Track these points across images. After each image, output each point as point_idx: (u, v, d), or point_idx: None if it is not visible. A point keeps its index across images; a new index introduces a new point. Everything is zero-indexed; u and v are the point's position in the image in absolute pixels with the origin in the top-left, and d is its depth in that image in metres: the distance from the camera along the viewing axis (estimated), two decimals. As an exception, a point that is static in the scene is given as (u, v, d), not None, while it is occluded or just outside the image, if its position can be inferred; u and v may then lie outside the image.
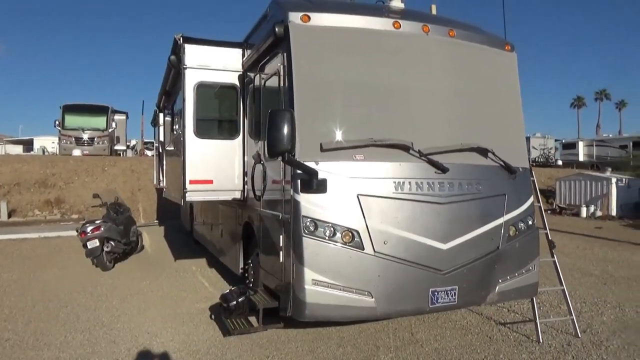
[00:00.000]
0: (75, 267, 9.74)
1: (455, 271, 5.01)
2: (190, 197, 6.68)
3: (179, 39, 6.60)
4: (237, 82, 6.87)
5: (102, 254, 9.34)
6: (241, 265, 7.14)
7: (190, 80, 6.65)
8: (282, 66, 5.11)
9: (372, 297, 4.72)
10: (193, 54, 6.66)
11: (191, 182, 6.63)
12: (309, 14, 4.97)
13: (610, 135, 42.41)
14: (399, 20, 5.21)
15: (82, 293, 7.80)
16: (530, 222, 5.60)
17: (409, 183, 4.92)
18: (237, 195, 6.84)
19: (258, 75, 6.05)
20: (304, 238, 4.63)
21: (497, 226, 5.30)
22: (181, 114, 7.03)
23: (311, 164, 4.64)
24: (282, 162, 5.04)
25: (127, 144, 32.97)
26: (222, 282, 8.49)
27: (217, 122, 7.28)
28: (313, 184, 4.59)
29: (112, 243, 9.55)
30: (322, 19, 5.02)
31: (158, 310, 6.88)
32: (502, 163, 5.42)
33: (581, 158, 39.31)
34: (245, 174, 6.75)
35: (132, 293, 7.82)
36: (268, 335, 5.65)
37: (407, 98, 5.25)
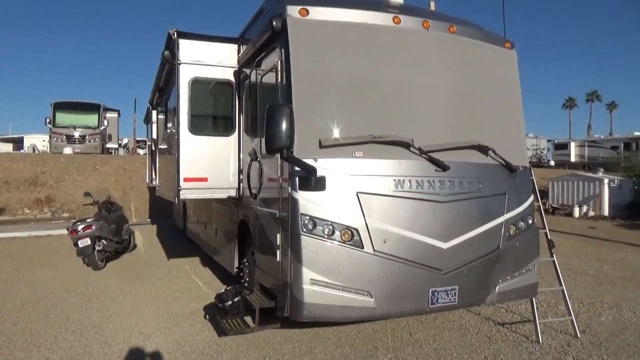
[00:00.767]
0: (66, 266, 9.56)
1: (455, 271, 4.93)
2: (184, 195, 6.55)
3: (173, 34, 6.47)
4: (232, 78, 6.75)
5: (94, 252, 9.18)
6: (236, 265, 7.02)
7: (185, 76, 6.52)
8: (279, 61, 5.00)
9: (372, 297, 4.62)
10: (187, 49, 6.53)
11: (185, 179, 6.50)
12: (307, 7, 4.87)
13: (602, 136, 42.72)
14: (399, 16, 5.13)
15: (72, 293, 7.64)
16: (530, 221, 5.54)
17: (409, 181, 4.83)
18: (233, 193, 6.72)
19: (254, 70, 5.93)
20: (302, 236, 4.53)
21: (497, 225, 5.23)
22: (175, 110, 6.90)
23: (310, 161, 4.54)
24: (279, 159, 4.94)
25: (120, 142, 32.65)
26: (216, 281, 8.36)
27: (212, 119, 7.15)
28: (312, 181, 4.48)
29: (104, 242, 9.39)
30: (320, 13, 4.92)
31: (151, 310, 6.74)
32: (502, 161, 5.35)
33: (573, 159, 39.54)
34: (240, 171, 6.63)
35: (124, 293, 7.67)
36: (264, 335, 5.54)
37: (407, 94, 5.15)
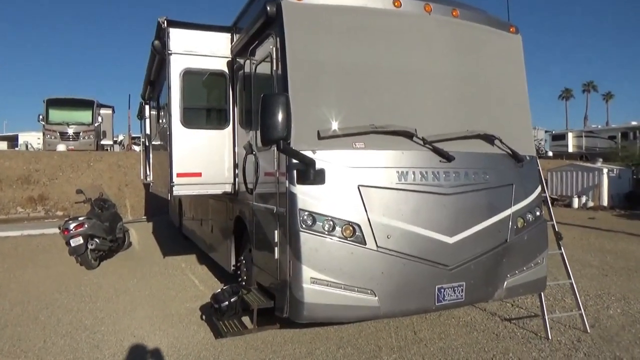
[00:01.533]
0: (59, 266, 9.32)
1: (462, 266, 4.70)
2: (177, 191, 6.30)
3: (163, 23, 6.19)
4: (225, 69, 6.49)
5: (87, 251, 8.92)
6: (233, 262, 6.79)
7: (176, 66, 6.26)
8: (274, 49, 4.74)
9: (376, 296, 4.39)
10: (178, 38, 6.26)
11: (178, 175, 6.25)
12: None
13: (599, 127, 42.55)
14: None
15: (64, 293, 7.39)
16: (538, 213, 5.32)
17: (413, 173, 4.59)
18: (228, 188, 6.48)
19: (248, 60, 5.67)
20: (301, 233, 4.29)
21: (505, 218, 5.00)
22: (167, 103, 6.63)
23: (308, 153, 4.29)
24: (276, 152, 4.70)
25: (114, 138, 32.27)
26: (212, 279, 8.14)
27: (205, 111, 6.89)
28: (310, 174, 4.23)
29: (97, 240, 9.13)
30: None
31: (145, 310, 6.50)
32: (509, 151, 5.11)
33: (570, 149, 39.35)
34: (236, 165, 6.38)
35: (118, 293, 7.43)
36: (263, 336, 5.32)
37: (409, 82, 4.90)
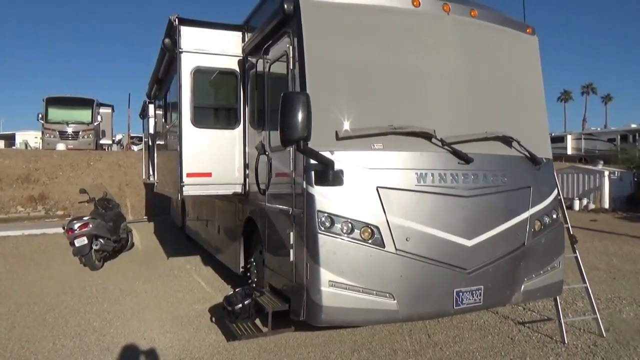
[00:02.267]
0: (62, 266, 9.20)
1: (480, 270, 4.64)
2: (187, 191, 6.21)
3: (174, 21, 6.11)
4: (236, 68, 6.40)
5: (91, 252, 8.82)
6: (242, 264, 6.70)
7: (187, 65, 6.17)
8: (291, 47, 4.66)
9: (394, 300, 4.32)
10: (189, 36, 6.17)
11: (188, 175, 6.16)
12: None
13: (599, 129, 42.64)
14: None
15: (70, 295, 7.30)
16: (554, 216, 5.27)
17: (432, 174, 4.52)
18: (238, 189, 6.39)
19: (262, 59, 5.59)
20: (319, 235, 4.21)
21: (522, 221, 4.94)
22: (176, 102, 6.55)
23: (326, 154, 4.22)
24: (292, 152, 4.63)
25: (113, 138, 32.08)
26: (219, 281, 8.05)
27: (215, 111, 6.79)
28: (329, 175, 4.16)
29: (102, 240, 9.03)
30: None
31: (153, 313, 6.42)
32: (527, 153, 5.06)
33: (569, 151, 39.41)
34: (246, 166, 6.30)
35: (124, 294, 7.34)
36: (275, 340, 5.24)
37: (426, 82, 4.84)
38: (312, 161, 4.26)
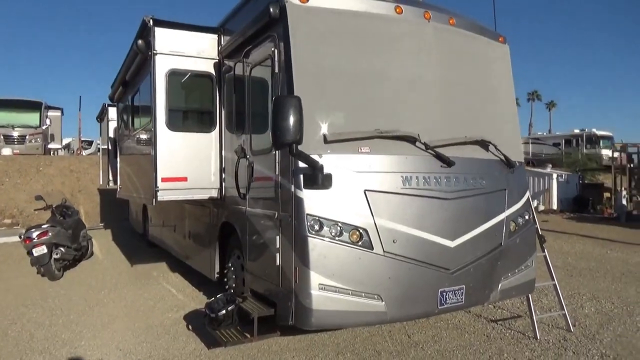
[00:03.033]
0: (19, 277, 8.71)
1: (462, 269, 4.78)
2: (162, 196, 6.03)
3: (149, 22, 5.94)
4: (212, 70, 6.30)
5: (50, 261, 8.39)
6: (217, 270, 6.58)
7: (161, 67, 6.01)
8: (276, 51, 4.65)
9: (382, 301, 4.37)
10: (164, 38, 6.02)
11: (163, 179, 5.99)
12: None
13: (545, 134, 44.75)
14: (401, 5, 4.91)
15: (31, 307, 6.91)
16: (527, 217, 5.50)
17: (417, 177, 4.62)
18: (214, 193, 6.28)
19: (241, 62, 5.52)
20: (309, 238, 4.21)
21: (500, 222, 5.13)
22: (148, 105, 6.36)
23: (314, 157, 4.23)
24: (277, 156, 4.62)
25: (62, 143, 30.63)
26: (190, 287, 7.86)
27: (191, 114, 6.67)
28: (318, 178, 4.17)
29: (62, 249, 8.62)
30: (321, 0, 4.61)
31: (125, 322, 6.17)
32: (502, 157, 5.26)
33: (518, 155, 41.04)
34: (223, 169, 6.20)
35: (90, 305, 7.02)
36: (258, 345, 5.17)
37: (411, 87, 4.95)
38: (301, 164, 4.26)
